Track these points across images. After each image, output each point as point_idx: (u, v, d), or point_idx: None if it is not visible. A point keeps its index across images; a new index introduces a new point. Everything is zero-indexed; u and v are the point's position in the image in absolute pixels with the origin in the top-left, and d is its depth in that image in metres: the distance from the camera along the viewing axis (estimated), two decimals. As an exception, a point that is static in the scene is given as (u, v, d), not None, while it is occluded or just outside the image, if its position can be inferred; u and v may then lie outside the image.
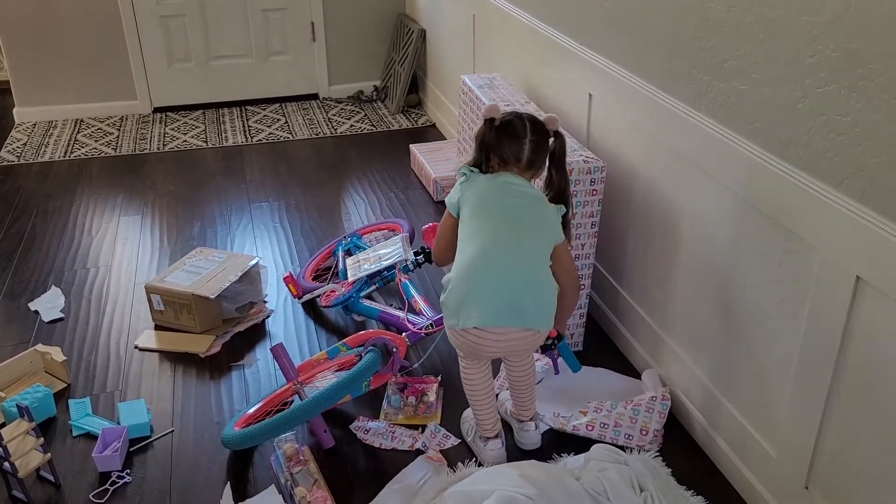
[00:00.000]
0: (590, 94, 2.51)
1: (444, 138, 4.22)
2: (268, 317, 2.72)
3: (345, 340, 2.34)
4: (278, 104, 4.81)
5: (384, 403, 2.28)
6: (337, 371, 2.23)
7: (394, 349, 2.20)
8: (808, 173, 1.59)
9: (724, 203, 1.90)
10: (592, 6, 2.44)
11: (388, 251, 2.59)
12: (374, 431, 2.16)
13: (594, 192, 2.26)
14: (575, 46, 2.57)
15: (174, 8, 4.52)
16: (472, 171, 1.94)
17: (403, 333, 2.36)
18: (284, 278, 2.73)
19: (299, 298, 2.72)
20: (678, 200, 2.11)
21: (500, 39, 3.29)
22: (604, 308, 2.61)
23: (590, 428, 2.10)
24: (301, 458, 2.03)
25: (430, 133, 4.37)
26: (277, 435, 2.01)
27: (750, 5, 1.71)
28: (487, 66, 3.48)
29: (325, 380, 2.16)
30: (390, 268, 2.56)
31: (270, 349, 2.17)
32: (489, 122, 1.90)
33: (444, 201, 3.18)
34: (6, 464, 1.91)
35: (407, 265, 2.50)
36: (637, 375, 2.37)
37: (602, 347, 2.54)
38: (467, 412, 2.17)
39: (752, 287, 1.84)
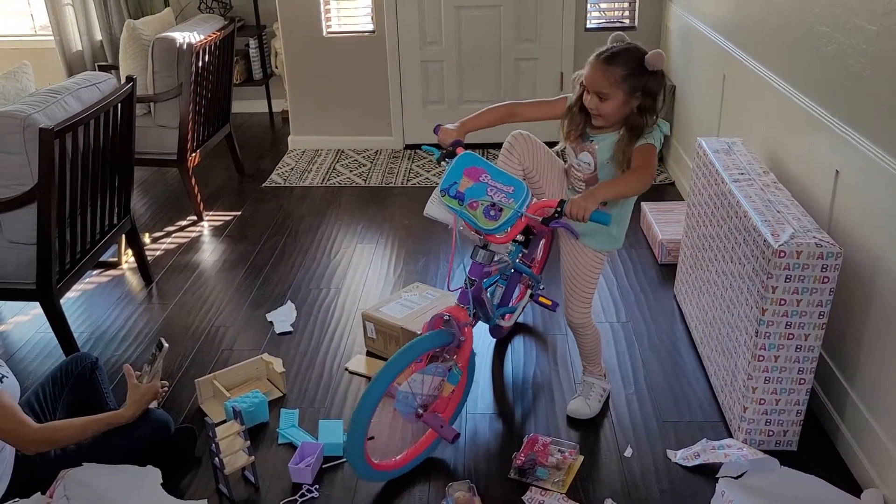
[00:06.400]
0: (836, 171, 2.28)
1: (681, 199, 4.06)
2: (470, 359, 2.77)
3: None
4: (519, 150, 4.92)
5: (535, 480, 2.19)
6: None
7: (445, 317, 2.14)
8: None
9: (980, 314, 1.62)
10: (848, 76, 2.23)
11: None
12: None
13: (825, 280, 2.04)
14: (825, 117, 2.36)
15: (435, 54, 4.83)
16: None
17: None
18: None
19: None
20: (926, 302, 1.84)
21: (749, 103, 3.11)
22: (828, 406, 2.34)
23: (788, 541, 1.89)
24: (473, 507, 2.04)
25: (667, 191, 4.22)
26: (367, 416, 2.01)
27: None
28: (732, 129, 3.30)
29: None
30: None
31: None
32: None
33: (667, 264, 3.07)
34: (217, 459, 2.12)
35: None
36: (856, 491, 2.09)
37: (820, 451, 2.27)
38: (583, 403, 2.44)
39: None
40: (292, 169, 4.75)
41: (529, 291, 2.74)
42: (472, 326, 2.23)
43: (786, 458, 2.21)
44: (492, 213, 2.02)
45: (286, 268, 3.51)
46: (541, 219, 2.00)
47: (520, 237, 2.42)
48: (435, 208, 2.14)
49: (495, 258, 2.24)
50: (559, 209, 1.96)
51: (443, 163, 2.16)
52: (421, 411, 2.16)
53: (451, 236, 2.16)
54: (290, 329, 3.00)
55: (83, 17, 5.27)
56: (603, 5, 4.89)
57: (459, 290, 2.21)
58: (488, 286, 2.59)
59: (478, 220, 2.04)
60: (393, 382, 2.06)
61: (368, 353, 2.83)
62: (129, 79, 2.97)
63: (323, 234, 3.85)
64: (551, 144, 2.38)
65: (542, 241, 2.88)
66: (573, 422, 2.45)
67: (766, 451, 2.22)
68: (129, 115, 2.99)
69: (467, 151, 2.13)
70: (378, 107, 4.96)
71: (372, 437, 2.18)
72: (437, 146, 2.24)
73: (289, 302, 3.19)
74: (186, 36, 3.82)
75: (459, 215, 2.07)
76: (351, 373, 2.73)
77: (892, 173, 1.97)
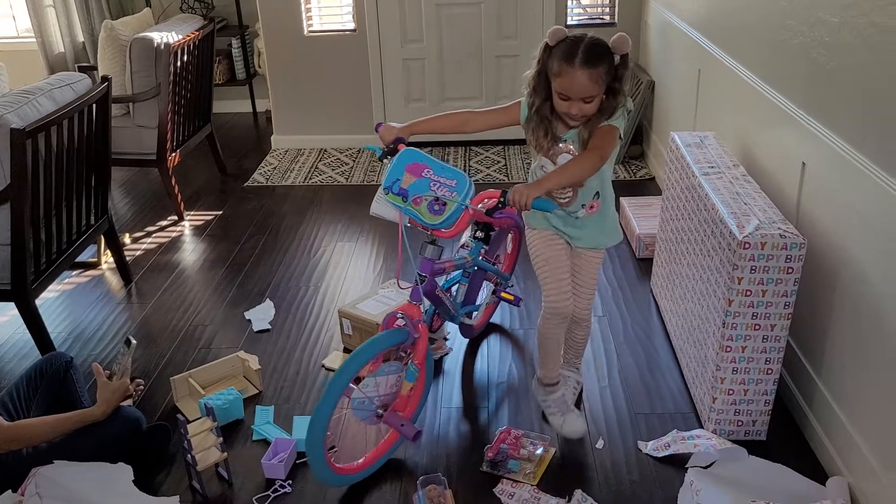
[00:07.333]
0: (803, 163, 2.30)
1: (660, 194, 4.07)
2: (446, 354, 2.79)
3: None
4: (501, 146, 4.94)
5: (507, 472, 2.21)
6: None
7: (399, 315, 2.13)
8: None
9: (935, 301, 1.65)
10: (813, 69, 2.25)
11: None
12: (519, 497, 2.11)
13: (790, 271, 2.06)
14: (792, 109, 2.38)
15: (416, 52, 4.84)
16: None
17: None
18: None
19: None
20: (886, 292, 1.86)
21: (722, 97, 3.13)
22: (797, 396, 2.36)
23: (754, 529, 1.91)
24: (443, 501, 2.05)
25: (647, 187, 4.24)
26: (324, 421, 1.99)
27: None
28: (707, 124, 3.32)
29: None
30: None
31: None
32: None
33: (645, 258, 3.09)
34: (189, 456, 2.13)
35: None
36: (823, 479, 2.11)
37: (789, 440, 2.30)
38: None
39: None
40: (275, 168, 4.75)
41: (493, 288, 2.75)
42: (436, 327, 2.22)
43: (755, 448, 2.24)
44: (436, 207, 2.01)
45: (266, 266, 3.52)
46: (484, 210, 1.99)
47: (479, 233, 2.42)
48: (380, 207, 2.11)
49: (461, 253, 2.24)
50: (502, 199, 1.94)
51: (385, 160, 2.14)
52: (381, 412, 2.15)
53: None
54: (268, 327, 3.01)
55: (65, 18, 5.27)
56: (584, 1, 4.91)
57: (412, 288, 2.21)
58: (451, 284, 2.60)
59: (423, 216, 2.03)
60: (349, 384, 2.06)
61: (345, 350, 2.84)
62: (105, 79, 2.98)
63: (304, 232, 3.86)
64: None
65: (509, 238, 2.86)
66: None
67: (735, 441, 2.24)
68: (104, 115, 2.99)
69: (408, 148, 2.10)
70: (360, 105, 4.97)
71: (333, 448, 2.18)
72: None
73: (267, 300, 3.20)
74: (164, 36, 3.82)
75: (404, 212, 2.05)
76: (328, 369, 2.74)
77: (854, 165, 1.99)
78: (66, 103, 2.73)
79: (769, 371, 2.20)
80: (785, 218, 2.17)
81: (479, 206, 2.03)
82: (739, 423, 2.28)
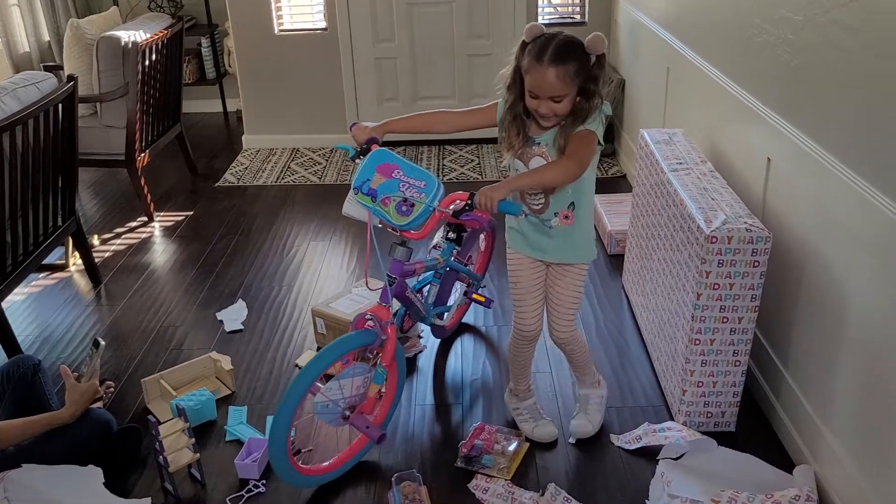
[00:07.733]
0: (768, 159, 2.34)
1: (631, 191, 4.11)
2: (419, 352, 2.79)
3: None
4: (475, 145, 4.95)
5: (481, 467, 2.22)
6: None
7: (368, 316, 2.14)
8: None
9: (896, 292, 1.69)
10: (777, 66, 2.29)
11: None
12: (493, 492, 2.13)
13: (756, 264, 2.10)
14: (757, 106, 2.42)
15: (388, 51, 4.84)
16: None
17: None
18: None
19: None
20: (849, 285, 1.90)
21: (690, 94, 3.17)
22: (764, 387, 2.40)
23: (723, 518, 1.94)
24: (418, 497, 2.06)
25: (619, 184, 4.28)
26: (286, 420, 2.00)
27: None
28: (676, 121, 3.36)
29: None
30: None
31: None
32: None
33: (616, 254, 3.10)
34: (161, 457, 2.12)
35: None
36: (789, 467, 2.15)
37: (757, 430, 2.34)
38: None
39: (920, 391, 1.61)
40: (246, 168, 4.72)
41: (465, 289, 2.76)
42: (407, 328, 2.21)
43: (724, 439, 2.27)
44: (403, 208, 1.99)
45: (238, 267, 3.50)
46: (451, 212, 1.98)
47: (451, 234, 2.41)
48: (351, 207, 2.09)
49: (433, 254, 2.24)
50: (470, 202, 1.92)
51: (357, 160, 2.12)
52: (348, 413, 2.13)
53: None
54: (241, 327, 2.99)
55: (30, 17, 5.18)
56: (555, 0, 4.94)
57: (381, 289, 2.20)
58: (423, 285, 2.60)
59: (391, 217, 2.01)
60: (315, 383, 2.05)
61: (319, 349, 2.83)
62: (70, 78, 2.94)
63: (276, 232, 3.84)
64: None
65: (482, 238, 2.87)
66: (520, 410, 2.48)
67: (705, 433, 2.27)
68: (70, 115, 2.96)
69: (380, 148, 2.09)
70: (333, 105, 4.96)
71: (300, 451, 2.18)
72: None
73: (240, 300, 3.18)
74: (132, 35, 3.78)
75: (373, 212, 2.04)
76: (301, 368, 2.73)
77: (818, 161, 2.03)
78: (31, 103, 2.70)
79: (737, 363, 2.23)
80: (751, 213, 2.21)
81: (451, 207, 2.02)
82: (709, 415, 2.31)
